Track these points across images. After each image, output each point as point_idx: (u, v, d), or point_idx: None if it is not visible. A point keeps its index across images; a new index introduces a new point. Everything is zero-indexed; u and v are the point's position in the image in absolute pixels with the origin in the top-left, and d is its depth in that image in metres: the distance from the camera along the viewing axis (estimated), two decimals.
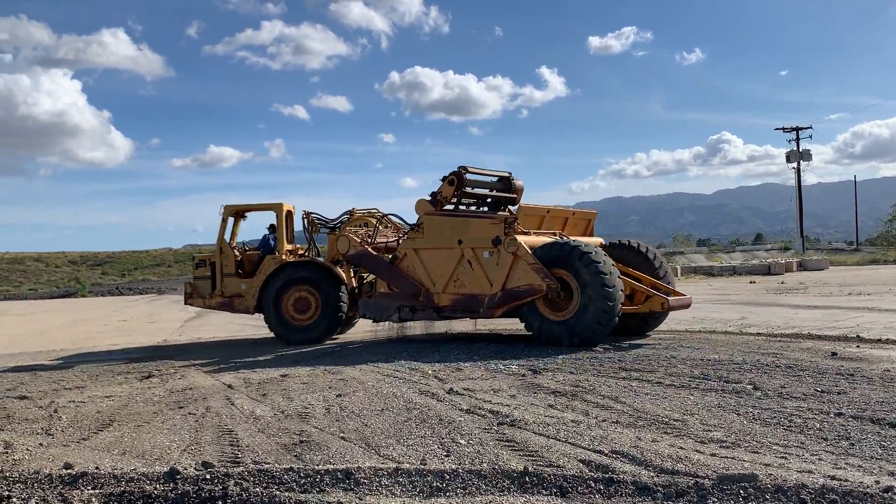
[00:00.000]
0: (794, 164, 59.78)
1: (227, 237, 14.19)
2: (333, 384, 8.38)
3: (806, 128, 60.47)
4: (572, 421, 6.02)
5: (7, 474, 4.93)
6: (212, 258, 14.22)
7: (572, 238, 11.72)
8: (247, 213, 14.67)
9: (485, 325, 14.62)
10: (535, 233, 11.96)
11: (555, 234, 12.22)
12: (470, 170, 12.33)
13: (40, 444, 6.04)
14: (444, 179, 12.31)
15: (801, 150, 59.79)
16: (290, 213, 14.45)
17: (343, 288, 13.47)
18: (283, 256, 13.84)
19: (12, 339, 17.34)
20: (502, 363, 9.43)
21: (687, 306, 11.84)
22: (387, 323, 13.09)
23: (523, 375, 8.46)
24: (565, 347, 10.57)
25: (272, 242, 14.25)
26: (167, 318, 20.72)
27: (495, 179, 13.06)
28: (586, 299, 10.59)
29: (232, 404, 7.44)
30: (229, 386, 8.62)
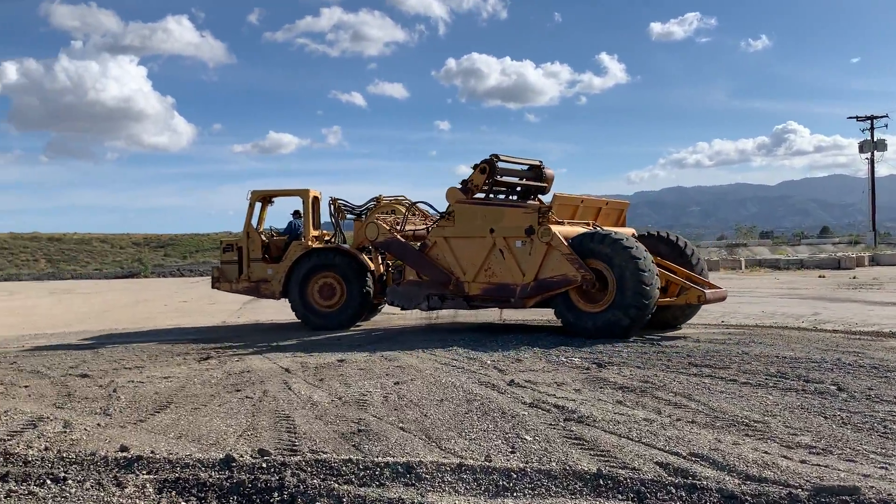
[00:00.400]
0: (867, 155, 57.31)
1: (254, 222, 14.19)
2: (390, 371, 8.20)
3: (881, 116, 57.84)
4: (644, 419, 5.66)
5: (64, 455, 4.87)
6: (239, 243, 14.26)
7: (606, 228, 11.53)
8: (274, 199, 14.68)
9: (542, 315, 14.25)
10: (568, 222, 11.71)
11: (588, 224, 11.98)
12: (502, 158, 12.09)
13: (98, 425, 5.99)
14: (475, 167, 12.09)
15: (875, 139, 57.29)
16: (316, 199, 14.39)
17: (368, 275, 13.35)
18: (309, 242, 13.78)
19: (78, 317, 17.76)
20: (564, 355, 9.10)
21: (722, 299, 11.60)
22: (416, 311, 12.90)
23: (587, 369, 8.11)
24: (595, 339, 10.33)
25: (299, 228, 14.19)
26: (226, 300, 20.91)
27: (526, 168, 12.80)
28: (621, 286, 10.35)
29: (289, 389, 7.31)
30: (286, 370, 8.51)
